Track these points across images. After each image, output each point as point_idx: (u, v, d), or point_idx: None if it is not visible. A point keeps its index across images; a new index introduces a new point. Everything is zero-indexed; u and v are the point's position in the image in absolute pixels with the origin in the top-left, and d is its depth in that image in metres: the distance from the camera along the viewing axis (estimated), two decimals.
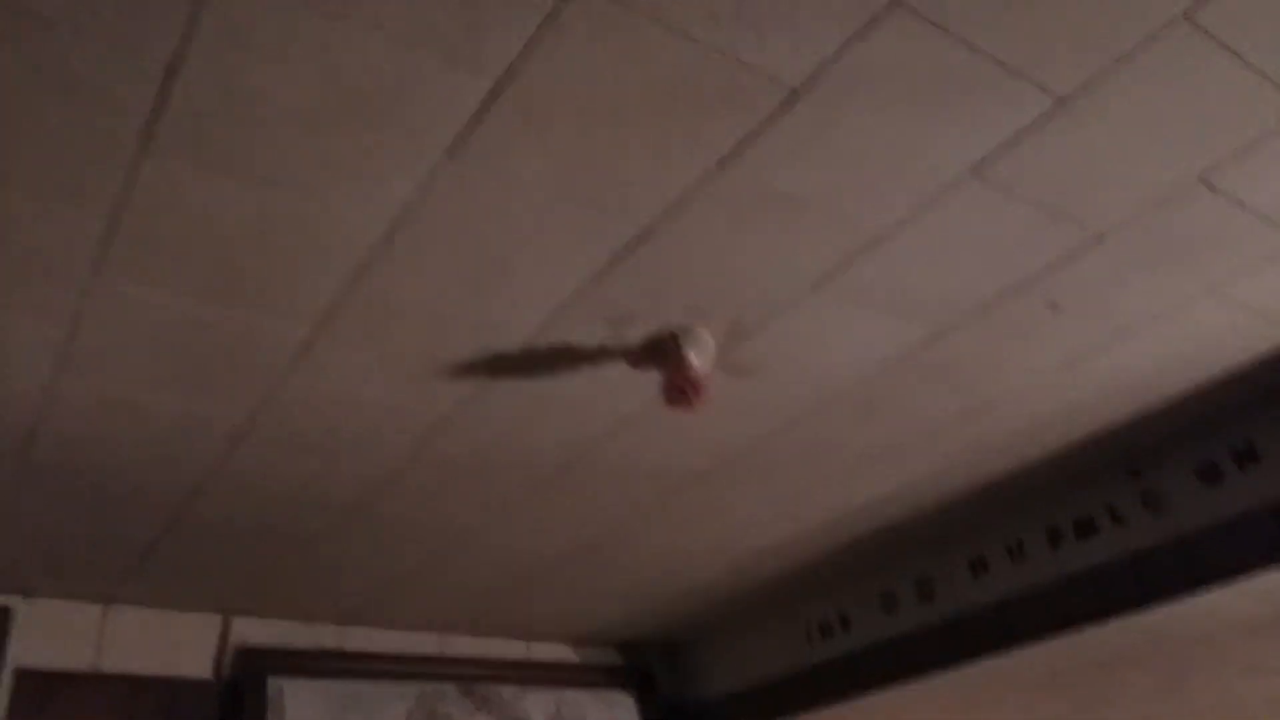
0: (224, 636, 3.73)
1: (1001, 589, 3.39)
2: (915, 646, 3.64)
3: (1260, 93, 1.77)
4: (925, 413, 2.75)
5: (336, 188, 1.82)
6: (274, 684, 3.66)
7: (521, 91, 1.65)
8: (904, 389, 2.62)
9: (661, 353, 2.33)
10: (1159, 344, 2.49)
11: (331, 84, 1.61)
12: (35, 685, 3.30)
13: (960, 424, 2.81)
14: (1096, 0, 1.58)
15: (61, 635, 3.44)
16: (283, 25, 1.51)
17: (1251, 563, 2.78)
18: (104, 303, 2.05)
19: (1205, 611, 3.04)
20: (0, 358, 2.19)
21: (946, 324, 2.37)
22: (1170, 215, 2.05)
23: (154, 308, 2.08)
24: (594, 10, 1.53)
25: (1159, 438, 2.98)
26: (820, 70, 1.66)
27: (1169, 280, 2.26)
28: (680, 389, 2.29)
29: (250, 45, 1.53)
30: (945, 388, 2.63)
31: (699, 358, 2.31)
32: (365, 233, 1.94)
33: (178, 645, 3.63)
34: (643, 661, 4.58)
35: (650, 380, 2.39)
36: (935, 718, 4.04)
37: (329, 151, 1.74)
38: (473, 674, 4.08)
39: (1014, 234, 2.08)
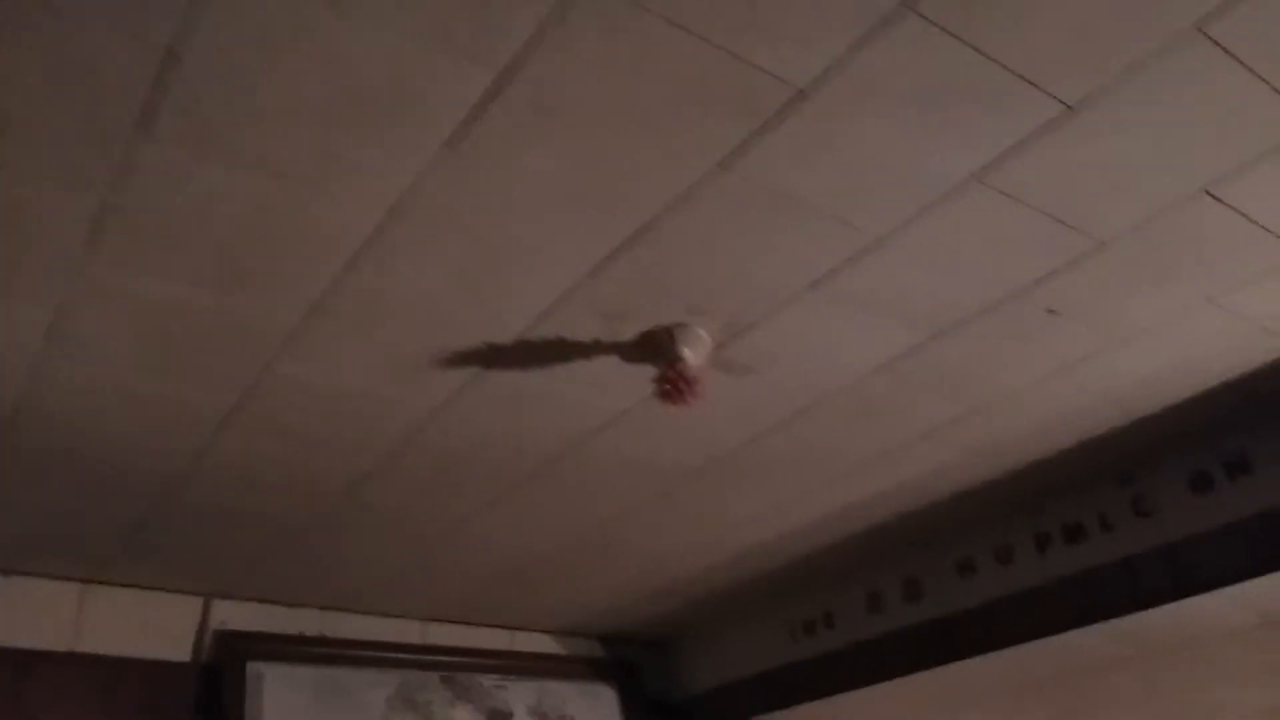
0: (204, 620, 3.69)
1: (988, 591, 3.40)
2: (899, 646, 3.65)
3: (1269, 106, 1.76)
4: (919, 416, 2.74)
5: (334, 176, 1.79)
6: (253, 669, 3.63)
7: (525, 85, 1.62)
8: (899, 392, 2.60)
9: (656, 348, 2.32)
10: (1156, 352, 2.48)
11: (332, 72, 1.58)
12: (11, 665, 3.27)
13: (954, 428, 2.81)
14: (1108, 8, 1.56)
15: (39, 614, 3.39)
16: (286, 12, 1.48)
17: (1239, 571, 2.79)
18: (94, 285, 2.01)
19: (1190, 619, 3.06)
20: None
21: (944, 328, 2.35)
22: (1173, 225, 2.04)
23: (145, 292, 2.04)
24: (601, 5, 1.50)
25: (1152, 445, 2.97)
26: (828, 72, 1.64)
27: (1169, 289, 2.25)
28: (674, 385, 2.28)
29: (252, 31, 1.50)
30: (940, 391, 2.62)
31: (694, 354, 2.30)
32: (361, 222, 1.91)
33: (157, 627, 3.59)
34: (627, 655, 4.57)
35: (644, 376, 2.37)
36: (918, 718, 4.04)
37: (327, 140, 1.71)
38: (454, 663, 4.06)
39: (1016, 240, 2.07)
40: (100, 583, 3.52)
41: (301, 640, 3.80)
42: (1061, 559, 3.23)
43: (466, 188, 1.84)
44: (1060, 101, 1.72)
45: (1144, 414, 2.80)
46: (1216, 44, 1.63)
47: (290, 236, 1.93)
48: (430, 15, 1.50)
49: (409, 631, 4.05)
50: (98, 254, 1.92)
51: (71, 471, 2.72)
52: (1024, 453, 3.01)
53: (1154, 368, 2.56)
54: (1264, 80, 1.70)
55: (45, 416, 2.45)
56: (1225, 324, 2.38)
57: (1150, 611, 3.01)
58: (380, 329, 2.23)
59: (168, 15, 1.46)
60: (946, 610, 3.53)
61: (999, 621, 3.35)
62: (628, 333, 2.30)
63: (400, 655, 3.95)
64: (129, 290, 2.03)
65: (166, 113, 1.62)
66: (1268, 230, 2.07)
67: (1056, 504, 3.26)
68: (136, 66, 1.54)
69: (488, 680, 4.08)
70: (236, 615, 3.73)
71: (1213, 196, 1.97)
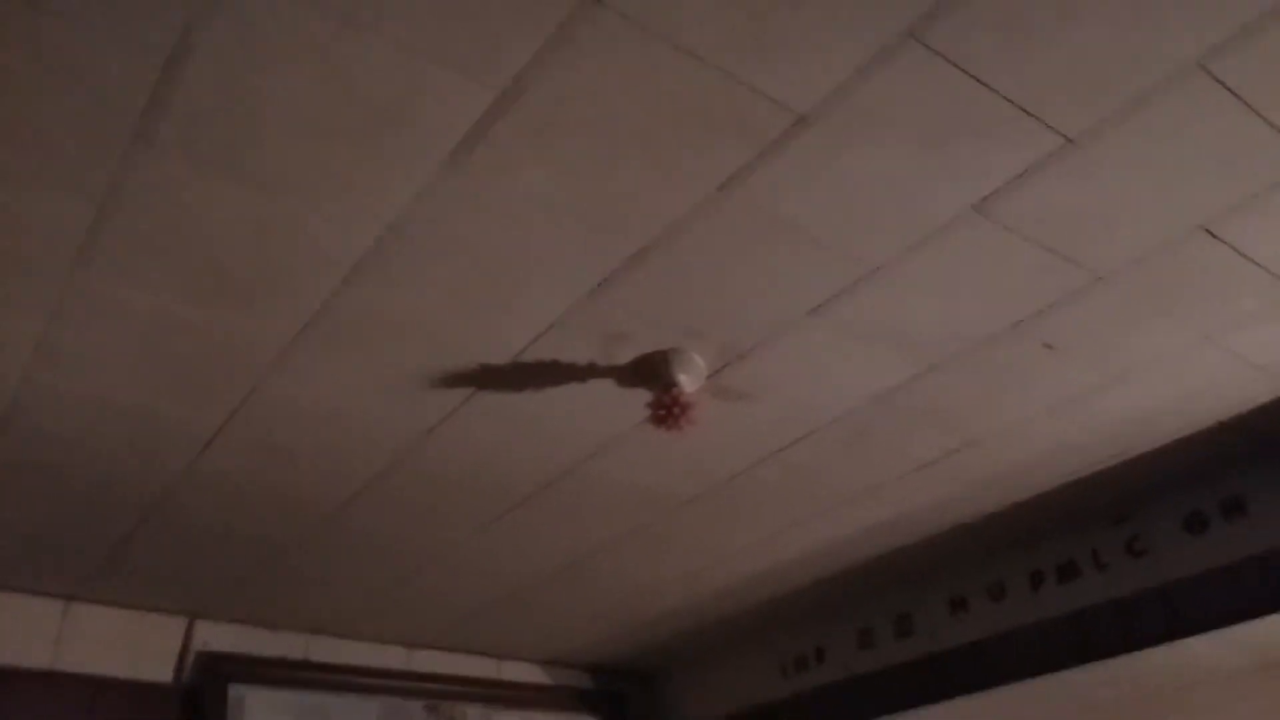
0: (187, 640, 3.65)
1: (980, 629, 3.37)
2: (890, 683, 3.61)
3: (1269, 144, 1.76)
4: (913, 448, 2.73)
5: (331, 193, 1.78)
6: (235, 691, 3.59)
7: (526, 105, 1.62)
8: (894, 423, 2.59)
9: (651, 373, 2.31)
10: (1152, 390, 2.47)
11: (333, 88, 1.58)
12: None
13: (948, 461, 2.79)
14: (1112, 43, 1.57)
15: (20, 631, 3.35)
16: (289, 25, 1.48)
17: (1233, 614, 2.77)
18: (86, 297, 2.00)
19: (1185, 661, 3.03)
20: None
21: (940, 359, 2.34)
22: (1171, 261, 2.04)
23: (136, 305, 2.03)
24: (605, 27, 1.50)
25: (1147, 485, 2.96)
26: (830, 99, 1.64)
27: (1166, 327, 2.25)
28: (668, 410, 2.26)
29: (254, 43, 1.50)
30: (935, 424, 2.61)
31: (688, 379, 2.29)
32: (358, 240, 1.90)
33: (139, 647, 3.55)
34: (614, 686, 4.52)
35: (639, 401, 2.35)
36: None
37: (326, 156, 1.70)
38: (439, 691, 4.02)
39: (1014, 273, 2.06)
40: (83, 600, 3.48)
41: (285, 664, 3.76)
42: (1055, 598, 3.20)
43: (466, 207, 1.83)
44: (1061, 135, 1.72)
45: (1139, 452, 2.79)
46: (1218, 81, 1.64)
47: (286, 252, 1.92)
48: (434, 33, 1.50)
49: (394, 657, 4.01)
50: (90, 265, 1.91)
51: (58, 485, 2.70)
52: (1018, 489, 2.99)
53: (1149, 405, 2.55)
54: (1264, 118, 1.71)
55: (33, 428, 2.43)
56: (1222, 363, 2.38)
57: (1144, 653, 2.98)
58: (375, 348, 2.22)
59: (169, 25, 1.46)
60: (938, 647, 3.50)
61: (990, 660, 3.32)
62: (623, 356, 2.29)
63: (384, 681, 3.90)
64: (121, 302, 2.02)
65: (165, 124, 1.62)
66: (1265, 269, 2.07)
67: (1050, 542, 3.24)
68: (136, 76, 1.53)
69: (473, 709, 4.04)
70: (219, 637, 3.69)
71: (1211, 234, 1.97)
